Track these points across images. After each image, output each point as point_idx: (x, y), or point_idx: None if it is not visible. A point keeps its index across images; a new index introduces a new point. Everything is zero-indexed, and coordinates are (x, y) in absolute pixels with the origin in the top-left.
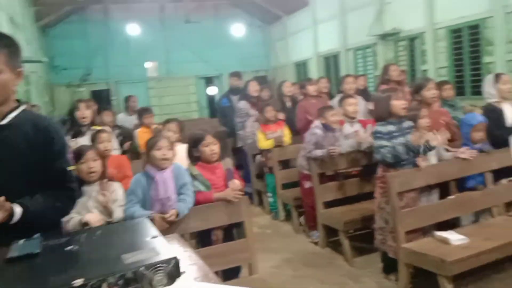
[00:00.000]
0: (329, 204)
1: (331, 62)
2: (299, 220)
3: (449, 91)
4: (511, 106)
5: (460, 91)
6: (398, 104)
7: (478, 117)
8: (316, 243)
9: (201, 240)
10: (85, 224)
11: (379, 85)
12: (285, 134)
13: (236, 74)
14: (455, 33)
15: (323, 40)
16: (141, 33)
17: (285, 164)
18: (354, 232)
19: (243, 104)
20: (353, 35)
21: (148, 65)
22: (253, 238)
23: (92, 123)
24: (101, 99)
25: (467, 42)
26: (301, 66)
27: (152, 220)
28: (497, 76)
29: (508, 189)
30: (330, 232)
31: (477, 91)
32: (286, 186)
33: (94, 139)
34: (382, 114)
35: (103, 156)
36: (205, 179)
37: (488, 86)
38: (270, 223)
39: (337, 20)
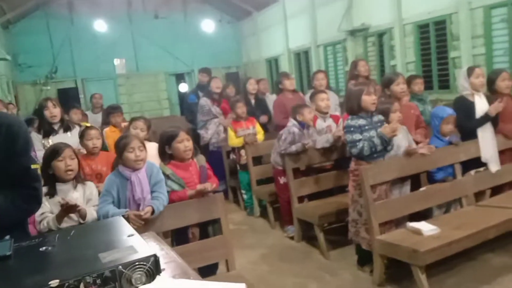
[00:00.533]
0: (306, 198)
1: (302, 58)
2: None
3: (419, 86)
4: (483, 99)
5: (428, 85)
6: (368, 100)
7: (447, 110)
8: (291, 238)
9: (177, 238)
10: (64, 212)
11: (348, 81)
12: (258, 131)
13: (205, 70)
14: (422, 28)
15: (293, 36)
16: (108, 29)
17: (258, 160)
18: (329, 225)
19: (204, 101)
20: (323, 31)
21: (116, 61)
22: (229, 235)
23: (62, 121)
24: (69, 97)
25: (434, 37)
26: (273, 62)
27: (127, 218)
28: (470, 70)
29: (476, 179)
30: (306, 226)
31: (444, 85)
32: (260, 182)
33: (82, 135)
34: (352, 108)
35: (92, 153)
36: (179, 177)
37: (462, 79)
38: (246, 219)
39: (307, 16)
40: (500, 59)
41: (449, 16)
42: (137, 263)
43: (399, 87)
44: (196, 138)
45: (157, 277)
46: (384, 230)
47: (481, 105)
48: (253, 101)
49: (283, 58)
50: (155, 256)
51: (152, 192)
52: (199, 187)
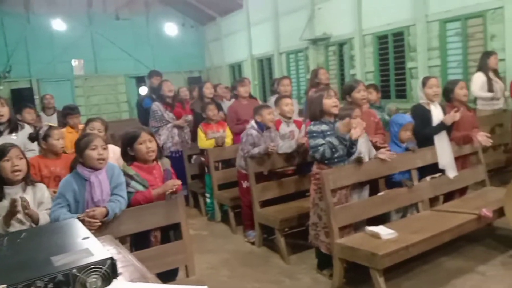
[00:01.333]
0: (267, 203)
1: (265, 64)
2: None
3: (373, 95)
4: (438, 108)
5: (385, 95)
6: (330, 103)
7: (407, 117)
8: (252, 243)
9: (136, 242)
10: (10, 213)
11: (309, 89)
12: (227, 135)
13: (157, 73)
14: (381, 39)
15: (257, 42)
16: (66, 29)
17: (226, 163)
18: (290, 230)
19: (156, 106)
20: (286, 39)
21: (74, 62)
22: (190, 239)
23: (10, 121)
24: (22, 98)
25: (392, 48)
26: (236, 68)
27: (82, 222)
28: (425, 80)
29: (431, 185)
30: (267, 231)
31: (401, 94)
32: (224, 186)
33: (48, 135)
34: (315, 114)
35: (58, 153)
36: (143, 178)
37: (418, 89)
38: (207, 224)
39: (271, 23)
40: (454, 70)
41: (407, 28)
42: (92, 267)
43: (360, 94)
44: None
45: (114, 281)
46: (343, 234)
47: (437, 114)
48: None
49: (246, 64)
50: (111, 259)
51: (112, 194)
52: (167, 183)
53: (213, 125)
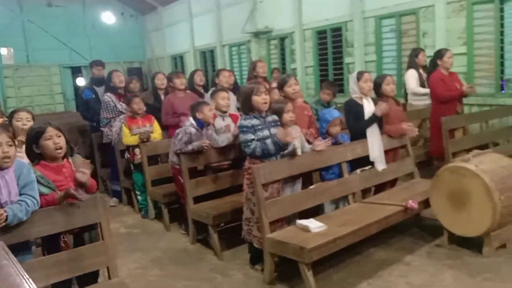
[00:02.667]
0: (203, 198)
1: (207, 56)
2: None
3: (327, 95)
4: (370, 103)
5: None
6: (258, 100)
7: (334, 113)
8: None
9: (48, 246)
10: None
11: (248, 81)
12: (155, 129)
13: (100, 63)
14: (321, 34)
15: (199, 34)
16: None
17: (154, 159)
18: (226, 225)
19: (109, 97)
20: (228, 31)
21: (3, 51)
22: (110, 240)
23: None
24: None
25: (331, 43)
26: (178, 59)
27: None
28: (360, 74)
29: (362, 178)
30: (202, 227)
31: (339, 89)
32: (156, 182)
33: None
34: (245, 109)
35: None
36: (49, 180)
37: (352, 83)
38: (140, 222)
39: (213, 15)
40: (389, 66)
41: (345, 24)
42: None
43: (291, 88)
44: (90, 134)
45: None
46: (276, 228)
47: (369, 108)
48: (163, 97)
49: (188, 56)
50: None
51: (20, 194)
52: (67, 188)
53: (138, 120)
